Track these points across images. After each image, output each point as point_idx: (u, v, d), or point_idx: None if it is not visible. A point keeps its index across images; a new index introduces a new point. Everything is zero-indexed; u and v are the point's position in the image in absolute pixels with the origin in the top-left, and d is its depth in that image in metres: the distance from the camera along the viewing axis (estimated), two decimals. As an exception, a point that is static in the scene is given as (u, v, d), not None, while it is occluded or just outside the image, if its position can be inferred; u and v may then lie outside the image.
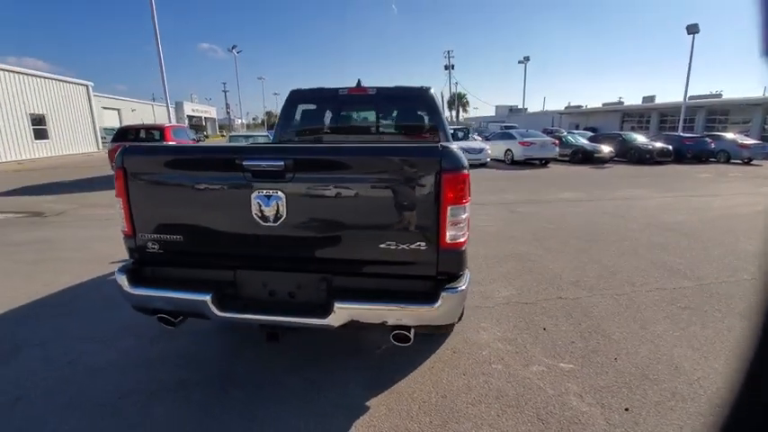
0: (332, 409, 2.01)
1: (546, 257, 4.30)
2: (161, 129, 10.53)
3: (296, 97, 3.62)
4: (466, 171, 1.75)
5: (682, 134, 18.53)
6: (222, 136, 44.65)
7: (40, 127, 18.44)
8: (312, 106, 3.63)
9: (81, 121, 22.29)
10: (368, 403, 2.06)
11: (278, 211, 1.75)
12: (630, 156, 15.91)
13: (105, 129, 26.59)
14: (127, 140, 10.58)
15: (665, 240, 4.91)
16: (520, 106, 46.55)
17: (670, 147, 15.52)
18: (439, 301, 1.71)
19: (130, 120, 33.26)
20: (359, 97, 3.54)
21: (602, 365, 2.36)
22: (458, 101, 47.87)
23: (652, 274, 3.81)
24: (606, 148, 15.49)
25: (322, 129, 3.61)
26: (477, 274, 3.81)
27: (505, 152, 15.11)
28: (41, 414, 1.97)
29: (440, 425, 1.91)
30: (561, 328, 2.80)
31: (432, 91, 3.44)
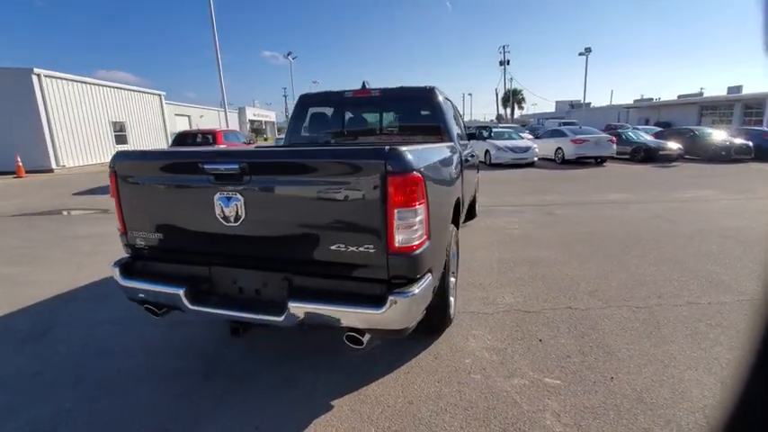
0: (297, 405, 2.06)
1: (567, 263, 4.01)
2: (213, 133, 11.38)
3: (306, 101, 3.74)
4: (416, 173, 1.70)
5: (766, 128, 16.20)
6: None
7: (120, 133, 20.74)
8: (320, 110, 3.72)
9: (155, 126, 24.69)
10: (333, 402, 2.08)
11: (237, 211, 1.84)
12: (703, 153, 14.23)
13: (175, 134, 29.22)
14: (185, 144, 11.57)
15: (715, 248, 4.35)
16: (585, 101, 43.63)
17: (750, 143, 13.64)
18: (386, 305, 1.68)
19: (200, 125, 36.19)
20: (364, 99, 3.57)
21: (594, 384, 2.16)
22: (512, 97, 45.99)
23: (688, 285, 3.40)
24: (674, 145, 13.99)
25: (328, 131, 3.69)
26: (486, 278, 3.68)
27: (556, 151, 14.25)
28: (50, 383, 2.24)
29: (397, 429, 1.88)
30: (560, 341, 2.60)
31: (435, 91, 3.37)
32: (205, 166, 1.82)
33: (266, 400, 2.10)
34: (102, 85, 19.33)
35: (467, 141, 4.67)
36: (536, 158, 13.67)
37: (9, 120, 15.40)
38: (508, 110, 49.93)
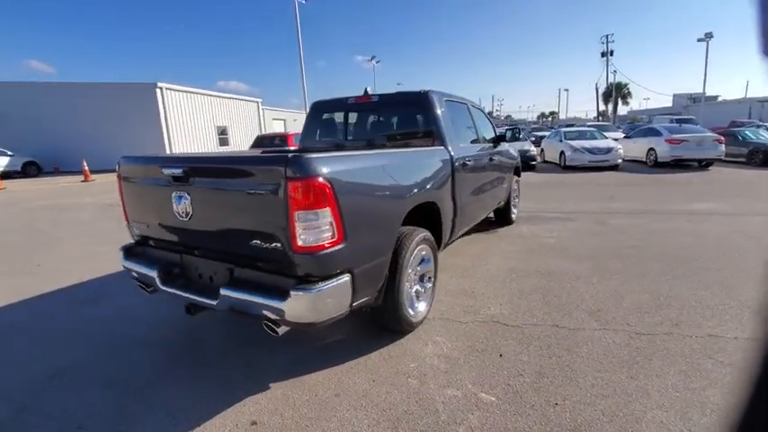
0: (242, 382, 2.30)
1: (586, 279, 3.64)
2: (285, 136, 12.48)
3: (317, 107, 4.00)
4: (320, 179, 1.80)
5: None
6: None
7: (222, 136, 23.79)
8: (329, 115, 3.95)
9: (251, 130, 27.74)
10: (272, 384, 2.29)
11: (186, 208, 2.14)
12: None
13: (270, 135, 32.39)
14: (263, 146, 12.87)
15: (794, 275, 3.53)
16: (711, 93, 37.21)
17: None
18: (289, 299, 1.82)
19: (294, 128, 39.59)
20: (364, 105, 3.70)
21: (532, 407, 2.02)
22: (615, 92, 41.16)
23: (721, 315, 2.87)
24: (813, 146, 11.29)
25: (334, 136, 3.90)
26: (484, 287, 3.55)
27: (647, 152, 12.52)
28: (91, 333, 2.85)
29: (312, 419, 2.01)
30: (522, 358, 2.44)
31: (428, 96, 3.35)
32: (163, 170, 2.16)
33: (225, 373, 2.39)
34: (209, 95, 22.36)
35: (488, 144, 4.50)
36: (620, 160, 12.19)
37: (137, 124, 18.76)
38: (610, 106, 44.87)
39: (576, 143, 12.49)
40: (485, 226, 5.74)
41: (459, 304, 3.23)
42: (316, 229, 1.83)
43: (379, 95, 3.60)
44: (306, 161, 1.79)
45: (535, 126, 35.81)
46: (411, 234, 2.62)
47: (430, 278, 2.99)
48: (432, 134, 3.33)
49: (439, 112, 3.33)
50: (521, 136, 5.18)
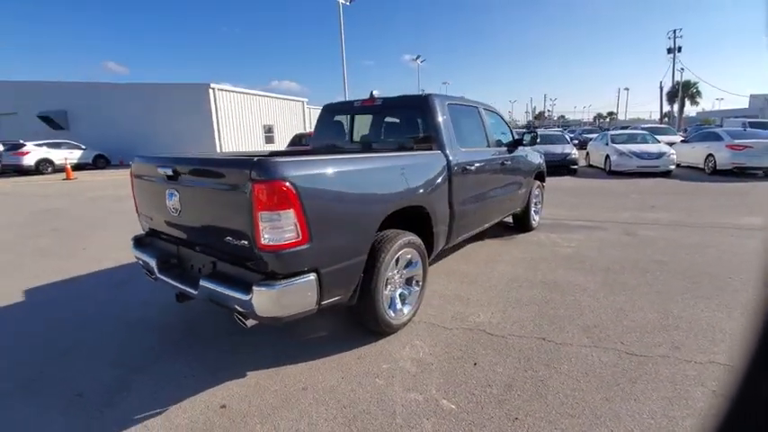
0: (220, 370, 2.47)
1: (593, 293, 3.46)
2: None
3: (327, 110, 4.13)
4: (282, 181, 1.90)
5: None
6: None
7: (269, 134, 24.89)
8: (338, 118, 4.05)
9: (297, 128, 28.74)
10: (249, 373, 2.43)
11: (176, 204, 2.34)
12: None
13: (314, 134, 33.41)
14: (300, 144, 13.34)
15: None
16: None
17: None
18: (252, 294, 1.94)
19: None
20: (369, 108, 3.77)
21: (490, 419, 1.99)
22: (682, 91, 37.83)
23: (734, 341, 2.62)
24: None
25: (341, 138, 4.00)
26: (480, 294, 3.49)
27: (706, 158, 11.44)
28: (107, 314, 3.19)
29: (276, 407, 2.12)
30: (497, 369, 2.40)
31: (430, 99, 3.34)
32: (159, 169, 2.37)
33: (211, 359, 2.58)
34: (257, 95, 23.48)
35: (501, 149, 4.39)
36: (672, 167, 11.25)
37: (192, 122, 20.14)
38: (676, 106, 41.34)
39: (622, 147, 11.70)
40: (502, 231, 5.60)
41: (450, 310, 3.21)
42: (279, 229, 1.94)
43: (384, 99, 3.65)
44: (270, 165, 1.90)
45: (587, 128, 33.80)
46: (393, 237, 2.65)
47: (418, 282, 3.00)
48: (430, 138, 3.32)
49: (439, 116, 3.32)
50: (538, 140, 4.98)
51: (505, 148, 4.49)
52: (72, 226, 6.95)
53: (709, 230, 5.47)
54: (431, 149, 3.27)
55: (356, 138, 3.93)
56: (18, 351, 2.79)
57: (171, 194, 2.36)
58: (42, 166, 17.42)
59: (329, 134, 4.07)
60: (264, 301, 1.96)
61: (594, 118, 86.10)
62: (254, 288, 1.94)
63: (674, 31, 35.98)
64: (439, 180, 3.11)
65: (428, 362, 2.50)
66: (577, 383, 2.25)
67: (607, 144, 12.50)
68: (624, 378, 2.28)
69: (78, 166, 18.38)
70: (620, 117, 79.87)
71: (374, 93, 3.80)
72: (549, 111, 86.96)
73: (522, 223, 5.46)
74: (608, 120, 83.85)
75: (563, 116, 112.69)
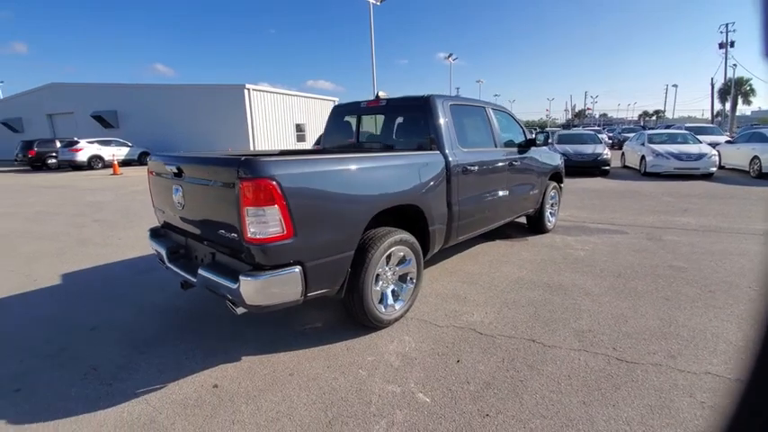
0: (218, 353, 2.66)
1: (596, 297, 3.38)
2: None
3: (337, 110, 4.26)
4: (269, 179, 2.03)
5: None
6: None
7: (300, 133, 25.55)
8: (346, 118, 4.17)
9: (327, 127, 29.34)
10: (244, 357, 2.60)
11: (180, 199, 2.54)
12: None
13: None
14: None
15: None
16: None
17: None
18: (238, 283, 2.10)
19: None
20: (374, 109, 3.86)
21: (461, 414, 2.04)
22: (734, 89, 35.13)
23: (736, 353, 2.50)
24: None
25: (348, 138, 4.12)
26: (478, 294, 3.51)
27: (751, 160, 10.63)
28: (127, 299, 3.49)
29: (262, 390, 2.27)
30: (478, 367, 2.43)
31: (431, 100, 3.38)
32: (167, 166, 2.58)
33: (211, 342, 2.78)
34: (290, 95, 24.16)
35: (511, 149, 4.35)
36: (714, 169, 10.54)
37: (228, 121, 21.04)
38: (728, 104, 38.43)
39: (659, 147, 11.09)
40: (515, 233, 5.53)
41: (445, 308, 3.25)
42: (264, 224, 2.07)
43: (388, 100, 3.72)
44: (255, 164, 2.04)
45: (626, 127, 32.10)
46: (384, 235, 2.73)
47: (412, 279, 3.07)
48: (430, 138, 3.37)
49: (438, 117, 3.36)
50: (550, 141, 4.87)
51: (516, 149, 4.44)
52: (112, 217, 7.53)
53: (741, 237, 5.13)
54: (430, 149, 3.32)
55: (362, 138, 4.04)
56: (48, 328, 3.12)
57: (176, 190, 2.57)
58: (93, 162, 18.83)
59: (338, 134, 4.20)
60: (250, 290, 2.11)
61: (639, 116, 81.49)
62: (241, 278, 2.09)
63: (726, 25, 33.43)
64: (435, 180, 3.15)
65: (412, 357, 2.57)
66: (557, 386, 2.24)
67: (643, 144, 11.88)
68: (608, 383, 2.25)
69: (125, 162, 19.72)
70: (669, 115, 75.25)
71: (380, 94, 3.88)
72: (589, 109, 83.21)
73: (536, 225, 5.37)
74: (654, 118, 79.20)
75: (605, 114, 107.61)
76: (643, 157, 11.48)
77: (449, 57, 35.74)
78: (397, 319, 2.96)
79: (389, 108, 3.77)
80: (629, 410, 2.03)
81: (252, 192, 2.03)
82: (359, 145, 4.02)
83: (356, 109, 4.05)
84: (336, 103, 4.24)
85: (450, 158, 3.32)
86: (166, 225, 3.11)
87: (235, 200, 2.09)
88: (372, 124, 3.98)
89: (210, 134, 21.71)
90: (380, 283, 2.83)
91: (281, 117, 23.39)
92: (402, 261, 2.97)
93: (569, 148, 11.99)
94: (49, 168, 19.62)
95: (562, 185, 5.85)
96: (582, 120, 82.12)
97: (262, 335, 2.90)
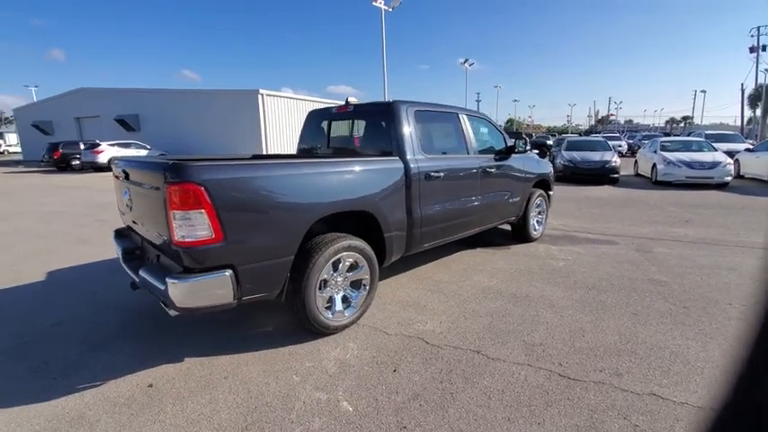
0: (163, 353, 2.70)
1: (560, 309, 3.28)
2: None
3: (311, 115, 4.30)
4: (194, 184, 2.06)
5: None
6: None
7: (313, 137, 25.86)
8: (319, 123, 4.20)
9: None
10: (187, 359, 2.63)
11: (128, 201, 2.61)
12: None
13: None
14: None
15: None
16: None
17: None
18: (166, 285, 2.13)
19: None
20: (344, 114, 3.87)
21: (379, 425, 2.01)
22: (766, 94, 33.51)
23: (691, 374, 2.37)
24: None
25: (320, 143, 4.14)
26: (439, 303, 3.45)
27: (773, 169, 10.11)
28: (93, 297, 3.60)
29: (193, 391, 2.29)
30: (413, 378, 2.39)
31: (393, 107, 3.36)
32: (119, 169, 2.66)
33: (160, 342, 2.84)
34: (302, 99, 24.52)
35: (486, 156, 4.28)
36: (729, 178, 10.07)
37: (243, 125, 21.51)
38: (759, 110, 36.69)
39: (671, 155, 10.67)
40: (499, 240, 5.43)
41: (400, 316, 3.21)
42: (190, 228, 2.11)
43: (355, 105, 3.73)
44: (181, 168, 2.08)
45: (647, 134, 31.01)
46: (330, 240, 2.73)
47: (365, 285, 3.05)
48: (390, 144, 3.35)
49: (399, 123, 3.34)
50: (528, 147, 4.76)
51: (492, 156, 4.37)
52: (116, 218, 7.79)
53: (738, 251, 4.88)
54: (390, 155, 3.31)
55: (333, 143, 4.06)
56: (17, 322, 3.24)
57: (125, 192, 2.65)
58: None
59: (311, 139, 4.24)
60: (176, 292, 2.14)
61: (666, 123, 78.81)
62: (168, 280, 2.13)
63: (758, 29, 31.99)
64: (392, 187, 3.13)
65: (350, 364, 2.55)
66: (487, 400, 2.17)
67: (655, 152, 11.47)
68: (540, 400, 2.17)
69: (143, 164, 20.41)
70: (697, 122, 72.50)
71: (349, 99, 3.90)
72: (613, 115, 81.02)
73: (520, 233, 5.25)
74: (682, 125, 76.41)
75: (631, 121, 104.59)
76: (654, 165, 11.08)
77: (465, 62, 35.57)
78: (346, 326, 2.94)
79: (357, 114, 3.78)
80: (554, 430, 1.95)
81: (178, 196, 2.07)
82: (329, 150, 4.05)
83: (328, 114, 4.08)
84: (311, 110, 4.27)
85: (411, 165, 3.29)
86: (130, 227, 3.20)
87: (163, 203, 2.13)
88: (343, 130, 3.99)
89: (225, 137, 22.22)
90: (328, 288, 2.83)
91: (294, 122, 23.74)
92: (354, 267, 2.96)
93: (576, 155, 11.71)
94: (72, 169, 20.51)
95: (551, 193, 5.71)
96: (605, 126, 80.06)
97: (210, 337, 2.93)
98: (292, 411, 2.11)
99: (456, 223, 3.92)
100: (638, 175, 13.24)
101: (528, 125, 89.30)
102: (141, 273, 2.40)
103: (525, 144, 4.58)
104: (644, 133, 33.06)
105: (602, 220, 6.81)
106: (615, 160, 11.22)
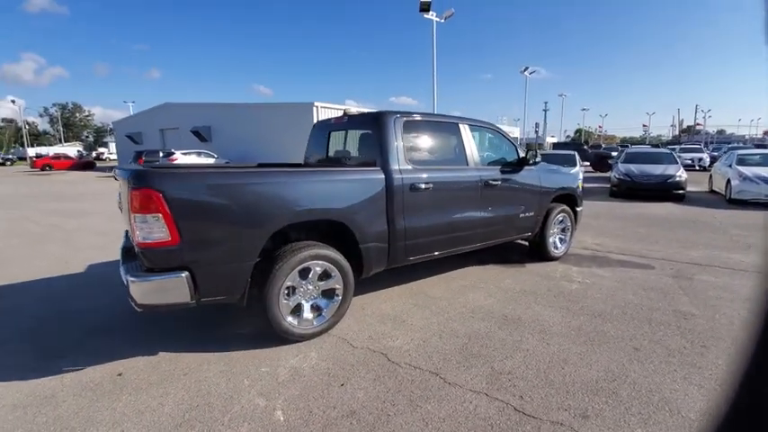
0: (140, 346, 2.91)
1: (549, 337, 2.99)
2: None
3: (316, 126, 4.42)
4: (153, 190, 2.22)
5: None
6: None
7: (365, 147, 26.47)
8: (321, 133, 4.29)
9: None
10: (161, 353, 2.81)
11: (119, 205, 2.87)
12: None
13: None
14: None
15: None
16: None
17: None
18: (128, 284, 2.31)
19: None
20: (341, 125, 3.93)
21: (303, 438, 1.98)
22: None
23: (669, 420, 2.02)
24: None
25: (321, 152, 4.23)
26: (423, 320, 3.34)
27: None
28: (102, 292, 4.00)
29: (152, 384, 2.44)
30: (356, 395, 2.32)
31: (381, 118, 3.33)
32: (114, 174, 2.95)
33: (140, 336, 3.07)
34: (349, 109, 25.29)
35: (491, 167, 4.09)
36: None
37: (297, 135, 22.58)
38: None
39: (748, 170, 9.28)
40: (517, 257, 5.10)
41: (375, 329, 3.14)
42: (149, 230, 2.27)
43: (349, 116, 3.77)
44: (142, 175, 2.25)
45: (734, 146, 27.17)
46: (298, 249, 2.77)
47: (338, 295, 3.04)
48: (374, 155, 3.33)
49: (385, 133, 3.30)
50: (538, 159, 4.42)
51: (499, 168, 4.14)
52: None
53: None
54: (374, 165, 3.28)
55: (331, 153, 4.13)
56: (43, 308, 3.70)
57: (119, 194, 2.92)
58: (184, 170, 21.66)
59: (315, 149, 4.35)
60: (136, 290, 2.31)
61: (765, 133, 68.77)
62: (128, 278, 2.31)
63: None
64: (369, 197, 3.10)
65: (303, 373, 2.54)
66: (423, 427, 2.04)
67: (731, 166, 10.06)
68: (490, 423, 1.99)
69: (209, 171, 22.33)
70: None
71: (346, 110, 3.95)
72: (699, 124, 72.53)
73: (537, 251, 4.89)
74: (790, 135, 66.01)
75: (722, 131, 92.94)
76: (729, 181, 9.72)
77: (525, 70, 34.25)
78: (314, 335, 2.94)
79: (350, 124, 3.81)
80: (481, 468, 1.78)
81: (138, 200, 2.24)
82: (327, 160, 4.12)
83: (328, 126, 4.17)
84: (317, 120, 4.40)
85: (395, 176, 3.24)
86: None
87: (129, 207, 2.32)
88: (340, 140, 4.05)
89: (284, 147, 23.53)
90: (297, 296, 2.86)
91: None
92: (326, 276, 2.97)
93: (634, 168, 10.65)
94: (152, 174, 23.04)
95: (579, 209, 5.25)
96: (691, 136, 71.95)
97: (191, 335, 3.10)
98: (227, 414, 2.16)
99: (451, 237, 3.77)
100: (711, 191, 11.69)
101: (598, 135, 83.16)
102: (120, 270, 2.63)
103: (535, 156, 4.28)
104: (732, 145, 29.15)
105: (647, 240, 6.10)
106: (680, 175, 10.01)
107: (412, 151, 3.45)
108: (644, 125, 76.62)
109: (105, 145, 64.44)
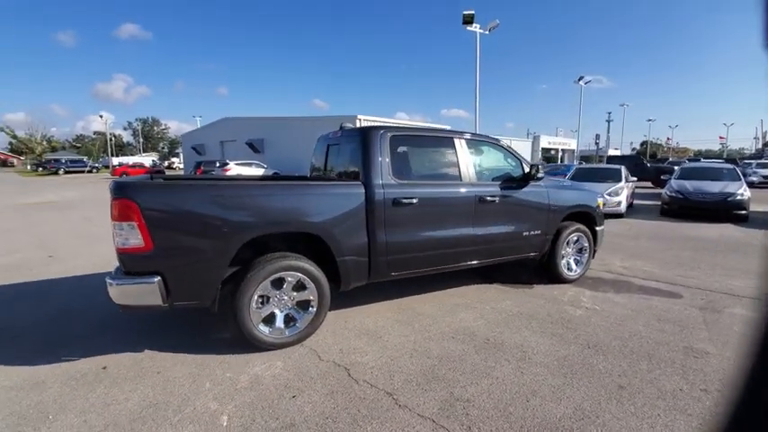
0: (129, 344, 3.15)
1: (527, 366, 2.80)
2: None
3: (318, 140, 4.56)
4: (128, 200, 2.44)
5: None
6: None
7: (407, 159, 26.64)
8: (322, 147, 4.41)
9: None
10: (146, 351, 3.03)
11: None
12: None
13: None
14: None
15: None
16: None
17: None
18: (108, 285, 2.54)
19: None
20: (336, 139, 4.02)
21: (236, 445, 2.03)
22: None
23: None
24: None
25: (320, 167, 4.34)
26: (401, 338, 3.29)
27: None
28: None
29: (129, 379, 2.63)
30: (304, 408, 2.33)
31: (364, 132, 3.38)
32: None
33: (129, 335, 3.32)
34: (398, 122, 25.56)
35: (489, 183, 3.96)
36: None
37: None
38: None
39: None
40: (526, 277, 4.84)
41: (347, 344, 3.14)
42: (125, 237, 2.49)
43: (343, 131, 3.86)
44: (120, 186, 2.48)
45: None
46: (273, 259, 2.88)
47: (313, 307, 3.09)
48: (357, 169, 3.38)
49: (370, 148, 3.34)
50: (541, 175, 4.17)
51: (499, 184, 3.99)
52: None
53: None
54: (357, 179, 3.32)
55: (329, 166, 4.23)
56: (63, 302, 4.13)
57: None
58: (236, 180, 23.16)
59: (316, 162, 4.49)
60: (113, 292, 2.53)
61: None
62: (107, 280, 2.53)
63: None
64: (347, 211, 3.14)
65: (262, 382, 2.61)
66: (355, 447, 2.01)
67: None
68: (411, 461, 1.92)
69: (258, 181, 23.67)
70: None
71: (343, 125, 4.05)
72: (756, 137, 64.03)
73: (547, 272, 4.61)
74: None
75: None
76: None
77: (580, 80, 32.54)
78: (285, 345, 3.01)
79: (343, 139, 3.89)
80: (396, 497, 1.71)
81: (116, 209, 2.48)
82: (324, 172, 4.23)
83: (327, 139, 4.29)
84: (321, 134, 4.54)
85: (377, 190, 3.26)
86: None
87: (110, 216, 2.57)
88: (336, 153, 4.13)
89: (328, 159, 24.50)
90: (270, 305, 2.95)
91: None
92: (300, 287, 3.03)
93: (689, 184, 9.68)
94: (208, 183, 24.91)
95: (599, 229, 4.87)
96: (778, 150, 63.68)
97: (175, 336, 3.30)
98: (179, 414, 2.27)
99: (440, 254, 3.68)
100: (788, 213, 10.27)
101: (668, 148, 76.41)
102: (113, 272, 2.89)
103: (537, 171, 4.07)
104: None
105: (687, 266, 5.50)
106: (742, 193, 8.91)
107: (398, 166, 3.45)
108: (720, 137, 69.18)
109: (177, 155, 70.84)
